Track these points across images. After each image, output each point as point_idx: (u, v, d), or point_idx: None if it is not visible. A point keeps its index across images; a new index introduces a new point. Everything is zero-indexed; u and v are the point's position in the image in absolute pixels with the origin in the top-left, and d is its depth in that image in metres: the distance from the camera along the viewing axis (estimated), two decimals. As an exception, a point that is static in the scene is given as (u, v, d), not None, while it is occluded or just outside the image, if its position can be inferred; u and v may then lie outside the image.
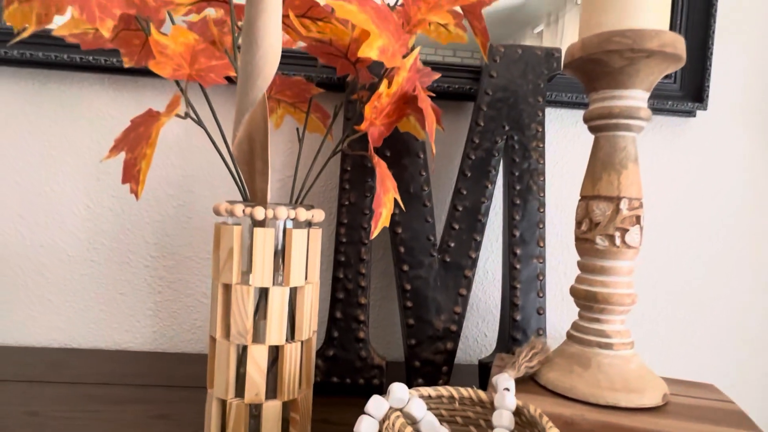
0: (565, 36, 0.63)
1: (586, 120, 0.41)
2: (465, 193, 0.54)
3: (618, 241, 0.39)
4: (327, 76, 0.57)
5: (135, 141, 0.35)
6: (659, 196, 0.66)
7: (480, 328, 0.65)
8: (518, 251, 0.53)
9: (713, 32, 0.61)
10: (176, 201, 0.61)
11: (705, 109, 0.62)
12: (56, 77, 0.59)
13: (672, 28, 0.62)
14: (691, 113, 0.64)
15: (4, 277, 0.60)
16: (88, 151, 0.60)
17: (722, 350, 0.67)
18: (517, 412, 0.34)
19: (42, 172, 0.60)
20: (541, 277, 0.53)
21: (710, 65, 0.62)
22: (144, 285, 0.61)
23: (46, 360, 0.55)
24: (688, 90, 0.63)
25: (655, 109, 0.63)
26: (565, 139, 0.65)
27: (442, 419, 0.37)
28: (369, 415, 0.31)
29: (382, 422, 0.31)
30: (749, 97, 0.66)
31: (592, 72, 0.40)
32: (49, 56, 0.56)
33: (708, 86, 0.62)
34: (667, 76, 0.63)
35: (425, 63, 0.60)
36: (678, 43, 0.37)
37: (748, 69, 0.65)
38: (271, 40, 0.30)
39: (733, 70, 0.65)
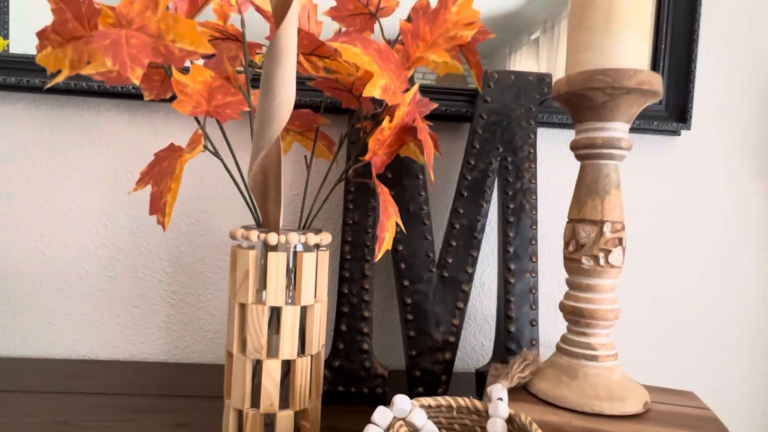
0: (560, 43, 0.66)
1: (572, 148, 0.45)
2: (462, 211, 0.57)
3: (602, 261, 0.42)
4: (331, 102, 0.60)
5: (160, 175, 0.38)
6: (646, 210, 0.69)
7: (477, 338, 0.68)
8: (512, 266, 0.57)
9: (695, 57, 0.65)
10: (189, 219, 0.64)
11: (689, 128, 0.66)
12: (74, 103, 0.63)
13: (656, 52, 0.66)
14: (675, 132, 0.68)
15: (25, 292, 0.63)
16: (104, 173, 0.63)
17: (705, 358, 0.71)
18: (510, 420, 0.38)
19: (61, 193, 0.63)
20: (534, 291, 0.57)
21: (693, 87, 0.65)
22: (158, 299, 0.64)
23: (68, 371, 0.58)
24: (672, 111, 0.67)
25: (642, 129, 0.66)
26: (557, 158, 0.68)
27: (441, 427, 0.40)
28: (375, 424, 0.34)
29: (386, 430, 0.34)
30: (730, 117, 0.69)
31: (578, 105, 0.43)
32: (69, 84, 0.60)
33: (691, 107, 0.65)
34: (653, 97, 0.67)
35: (423, 87, 0.63)
36: (654, 81, 0.41)
37: (728, 90, 0.69)
38: (287, 91, 0.33)
39: (714, 91, 0.69)
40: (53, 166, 0.63)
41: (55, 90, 0.60)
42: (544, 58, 0.67)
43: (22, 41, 0.61)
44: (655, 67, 0.67)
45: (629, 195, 0.69)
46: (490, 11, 0.65)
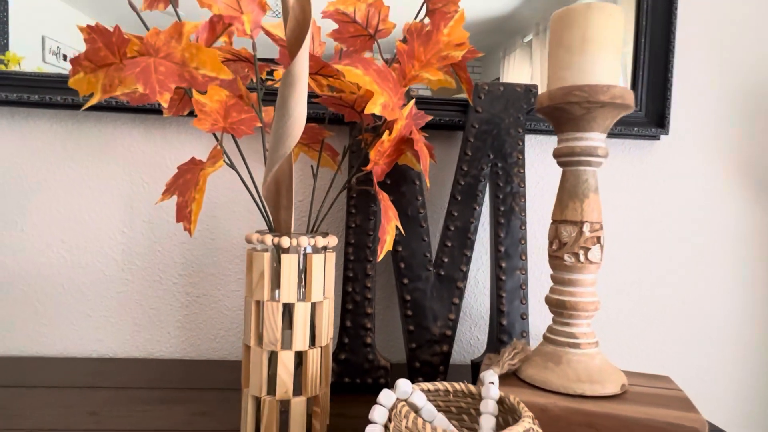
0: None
1: (555, 156, 0.49)
2: (456, 214, 0.61)
3: (582, 258, 0.47)
4: (334, 115, 0.65)
5: (184, 186, 0.43)
6: (629, 209, 0.74)
7: (473, 332, 0.73)
8: (503, 264, 0.61)
9: (672, 66, 0.70)
10: (201, 224, 0.68)
11: (667, 133, 0.71)
12: (93, 118, 0.67)
13: (636, 63, 0.71)
14: (655, 137, 0.72)
15: (48, 295, 0.67)
16: (121, 182, 0.67)
17: (685, 347, 0.75)
18: (500, 401, 0.42)
19: (81, 202, 0.67)
20: (524, 287, 0.61)
21: (670, 95, 0.70)
22: (173, 300, 0.69)
23: (90, 369, 0.62)
24: (651, 117, 0.71)
25: (624, 135, 0.71)
26: (544, 163, 0.73)
27: (439, 409, 0.45)
28: (380, 404, 0.38)
29: (390, 410, 0.38)
30: (704, 121, 0.74)
31: (559, 117, 0.48)
32: (87, 100, 0.64)
33: (669, 114, 0.70)
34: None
35: (419, 99, 0.68)
36: (626, 95, 0.45)
37: (702, 97, 0.74)
38: (300, 112, 0.38)
39: (690, 98, 0.74)
40: (73, 178, 0.67)
41: (76, 106, 0.65)
42: (537, 61, 0.71)
43: (22, 51, 0.65)
44: (635, 77, 0.71)
45: (614, 196, 0.74)
46: (483, 14, 0.69)
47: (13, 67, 0.66)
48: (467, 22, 0.68)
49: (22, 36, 0.65)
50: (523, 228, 0.62)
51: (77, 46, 0.66)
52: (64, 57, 0.66)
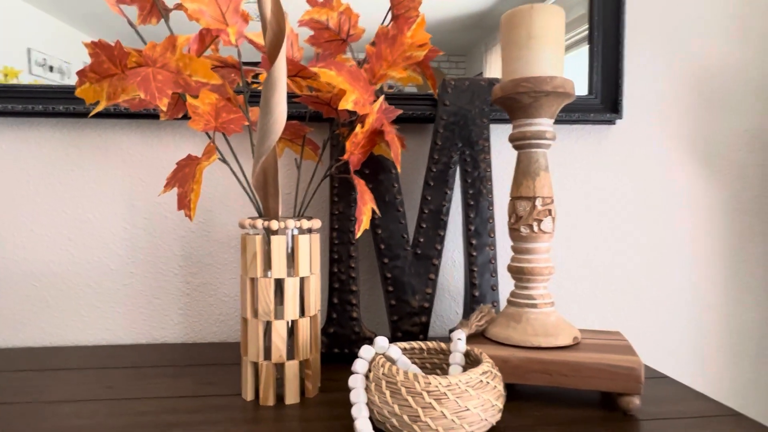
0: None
1: (510, 140, 0.56)
2: (429, 198, 0.68)
3: (536, 228, 0.53)
4: (314, 112, 0.71)
5: (183, 179, 0.49)
6: (590, 187, 0.81)
7: (452, 308, 0.79)
8: (474, 242, 0.68)
9: (623, 56, 0.76)
10: (197, 218, 0.74)
11: (621, 118, 0.77)
12: (93, 124, 0.72)
13: (592, 54, 0.77)
14: (611, 122, 0.79)
15: (59, 290, 0.73)
16: (122, 183, 0.73)
17: (635, 304, 0.82)
18: (467, 354, 0.49)
19: (85, 203, 0.73)
20: (493, 261, 0.68)
21: (622, 83, 0.77)
22: (174, 290, 0.74)
23: (101, 354, 0.68)
24: (606, 104, 0.78)
25: (582, 121, 0.78)
26: (510, 149, 0.79)
27: (416, 365, 0.51)
28: (361, 357, 0.45)
29: (370, 362, 0.45)
30: (655, 107, 0.81)
31: (511, 106, 0.54)
32: (89, 108, 0.69)
33: (621, 100, 0.77)
34: (590, 93, 0.78)
35: (392, 95, 0.74)
36: (567, 85, 0.52)
37: (653, 85, 0.81)
38: (280, 110, 0.44)
39: (642, 86, 0.80)
40: (77, 180, 0.72)
41: (77, 114, 0.70)
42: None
43: (8, 63, 0.69)
44: (591, 66, 0.78)
45: (575, 175, 0.80)
46: (464, 11, 0.74)
47: (12, 80, 0.71)
48: (448, 18, 0.73)
49: (7, 49, 0.69)
50: (491, 208, 0.68)
51: (64, 57, 0.70)
52: (51, 68, 0.71)
